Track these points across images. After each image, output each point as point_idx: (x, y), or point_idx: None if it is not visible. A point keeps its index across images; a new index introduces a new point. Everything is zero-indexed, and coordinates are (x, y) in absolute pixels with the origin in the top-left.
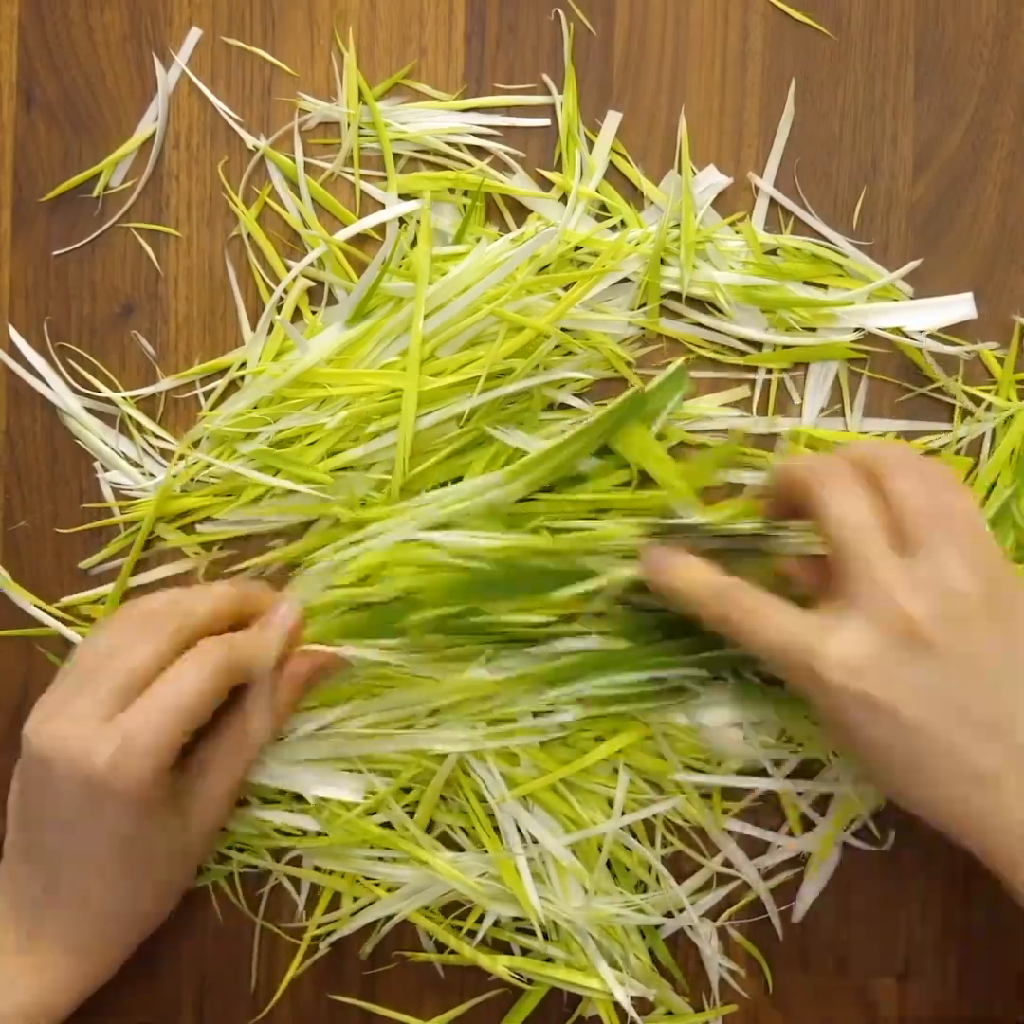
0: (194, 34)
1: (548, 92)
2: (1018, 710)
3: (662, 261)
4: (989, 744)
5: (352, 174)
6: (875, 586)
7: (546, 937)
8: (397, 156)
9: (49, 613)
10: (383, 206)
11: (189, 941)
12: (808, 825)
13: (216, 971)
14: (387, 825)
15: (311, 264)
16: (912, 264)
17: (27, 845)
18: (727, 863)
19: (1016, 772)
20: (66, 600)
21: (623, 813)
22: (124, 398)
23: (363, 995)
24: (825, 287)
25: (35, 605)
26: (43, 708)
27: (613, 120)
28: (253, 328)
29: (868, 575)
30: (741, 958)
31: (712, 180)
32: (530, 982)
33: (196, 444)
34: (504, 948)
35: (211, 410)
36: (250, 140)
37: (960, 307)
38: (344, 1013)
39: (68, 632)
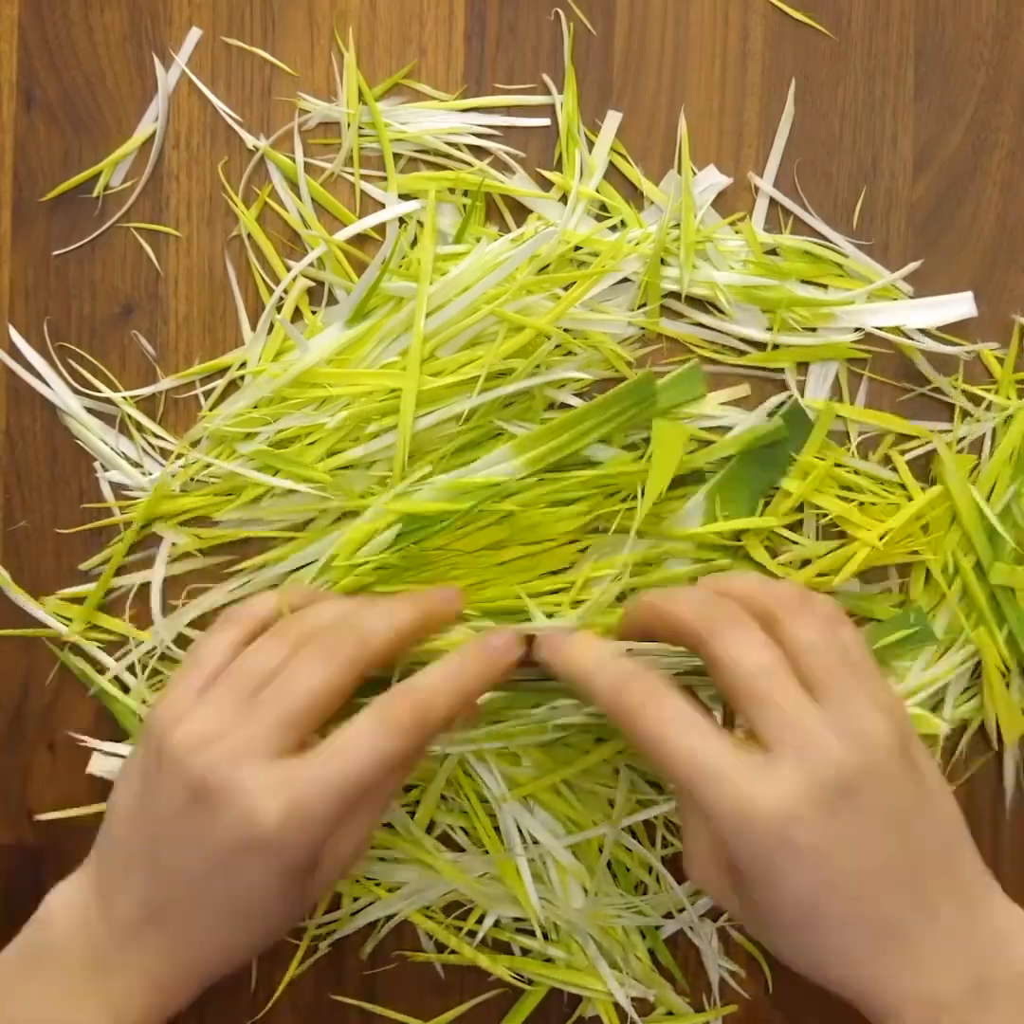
0: (194, 34)
1: (548, 92)
2: (927, 864)
3: (662, 261)
4: (903, 897)
5: (352, 174)
6: (799, 733)
7: (546, 937)
8: (397, 156)
9: (47, 611)
10: (383, 206)
11: None
12: None
13: None
14: (388, 826)
15: (311, 264)
16: (912, 265)
17: (133, 855)
18: None
19: (927, 928)
20: (64, 593)
21: (623, 814)
22: (124, 398)
23: (363, 995)
24: (825, 287)
25: (36, 605)
26: (188, 716)
27: (613, 120)
28: (253, 328)
29: (790, 722)
30: (741, 958)
31: (712, 180)
32: (530, 982)
33: (195, 444)
34: (504, 948)
35: (211, 410)
36: (250, 140)
37: (960, 306)
38: (344, 1013)
39: (67, 631)
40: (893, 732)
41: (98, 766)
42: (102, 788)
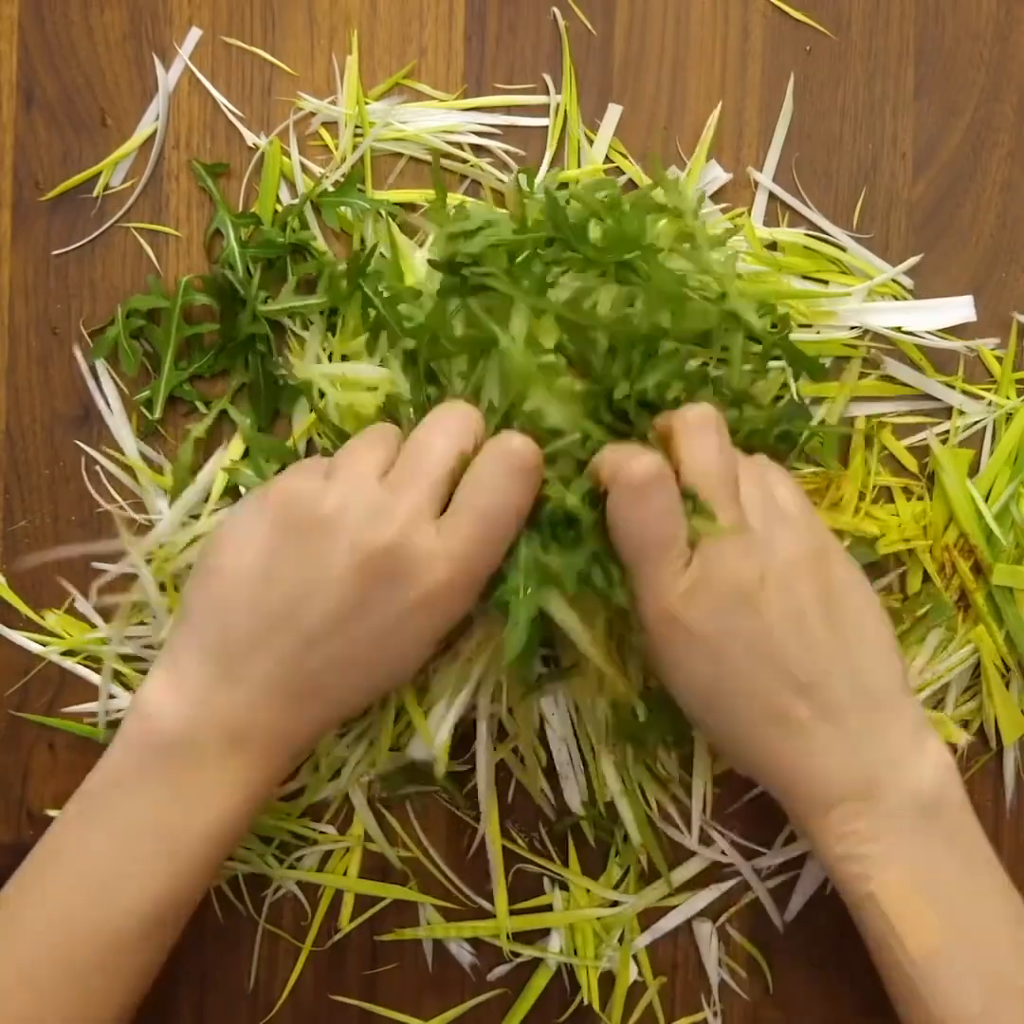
0: (194, 34)
1: (548, 91)
2: (832, 668)
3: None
4: (802, 698)
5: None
6: (710, 540)
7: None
8: (398, 156)
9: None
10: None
11: (189, 941)
12: None
13: (216, 971)
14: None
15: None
16: (912, 260)
17: (260, 630)
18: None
19: (825, 724)
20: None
21: None
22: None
23: (363, 995)
24: (825, 282)
25: (27, 614)
26: (340, 494)
27: (613, 114)
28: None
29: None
30: (741, 958)
31: (713, 175)
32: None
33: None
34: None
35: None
36: (250, 137)
37: (960, 309)
38: (344, 1013)
39: (46, 650)
40: (801, 548)
41: None
42: None
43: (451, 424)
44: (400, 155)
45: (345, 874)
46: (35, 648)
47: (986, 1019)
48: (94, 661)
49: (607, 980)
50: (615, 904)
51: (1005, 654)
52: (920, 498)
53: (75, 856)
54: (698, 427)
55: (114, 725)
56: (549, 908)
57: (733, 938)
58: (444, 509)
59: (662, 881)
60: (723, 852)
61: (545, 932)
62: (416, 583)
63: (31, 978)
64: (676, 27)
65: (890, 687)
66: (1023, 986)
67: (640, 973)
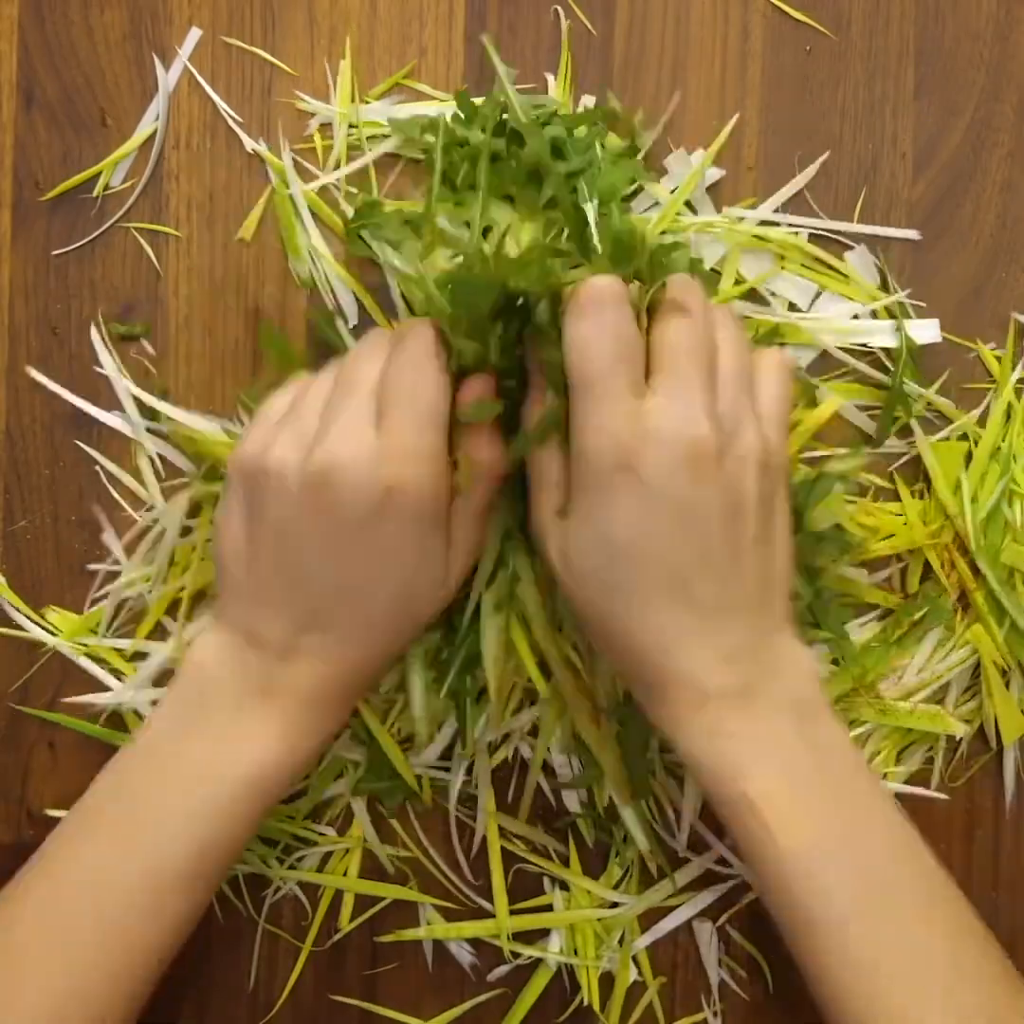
0: (194, 34)
1: (548, 92)
2: (745, 567)
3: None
4: (710, 580)
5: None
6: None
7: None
8: (397, 156)
9: (40, 616)
10: None
11: (189, 941)
12: None
13: (216, 971)
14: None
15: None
16: (902, 293)
17: (262, 583)
18: (724, 862)
19: (720, 613)
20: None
21: None
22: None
23: (363, 995)
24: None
25: (28, 615)
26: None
27: (587, 103)
28: (253, 329)
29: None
30: (741, 958)
31: (708, 172)
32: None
33: None
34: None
35: None
36: (250, 144)
37: (926, 331)
38: (344, 1013)
39: (54, 641)
40: (761, 446)
41: None
42: None
43: (373, 349)
44: (399, 156)
45: (345, 874)
46: (48, 639)
47: (857, 913)
48: (99, 660)
49: (607, 980)
50: (615, 905)
51: (1005, 653)
52: (922, 496)
53: (115, 801)
54: (675, 299)
55: (114, 719)
56: (549, 908)
57: (733, 938)
58: None
59: (663, 882)
60: (721, 858)
61: (545, 932)
62: (368, 487)
63: (71, 926)
64: (676, 27)
65: (782, 607)
66: (895, 884)
67: (640, 973)
